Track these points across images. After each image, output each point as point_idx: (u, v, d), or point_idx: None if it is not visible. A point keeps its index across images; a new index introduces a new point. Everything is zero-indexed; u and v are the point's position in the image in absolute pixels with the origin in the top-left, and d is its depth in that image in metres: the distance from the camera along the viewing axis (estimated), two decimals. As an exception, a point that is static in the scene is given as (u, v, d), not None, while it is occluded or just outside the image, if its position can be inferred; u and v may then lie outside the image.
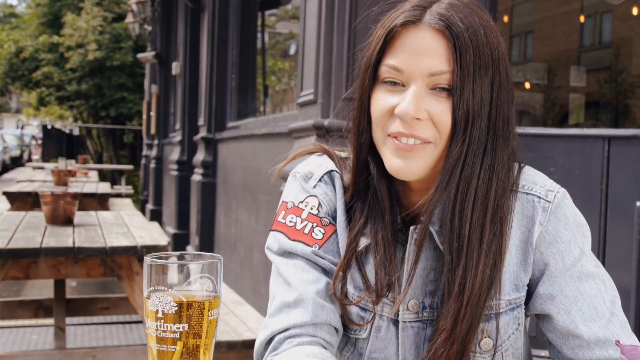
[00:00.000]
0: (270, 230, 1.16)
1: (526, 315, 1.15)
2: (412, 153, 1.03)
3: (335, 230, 1.13)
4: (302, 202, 1.15)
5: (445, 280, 1.04)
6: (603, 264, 2.87)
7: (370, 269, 1.11)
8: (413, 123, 1.02)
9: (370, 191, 1.11)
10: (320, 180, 1.16)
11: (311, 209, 1.14)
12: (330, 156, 1.19)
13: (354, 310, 1.11)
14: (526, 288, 1.11)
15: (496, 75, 1.03)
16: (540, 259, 1.10)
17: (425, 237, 1.07)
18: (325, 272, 1.11)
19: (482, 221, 1.04)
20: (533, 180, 1.12)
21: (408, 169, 1.04)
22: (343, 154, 1.20)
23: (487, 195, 1.04)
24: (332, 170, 1.17)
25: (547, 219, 1.09)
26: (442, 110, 1.02)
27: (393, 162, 1.05)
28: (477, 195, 1.03)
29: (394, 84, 1.04)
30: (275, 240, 1.14)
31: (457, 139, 1.02)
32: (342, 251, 1.12)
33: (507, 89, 1.05)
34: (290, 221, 1.14)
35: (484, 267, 1.03)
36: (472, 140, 1.02)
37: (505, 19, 6.98)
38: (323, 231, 1.12)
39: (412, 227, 1.08)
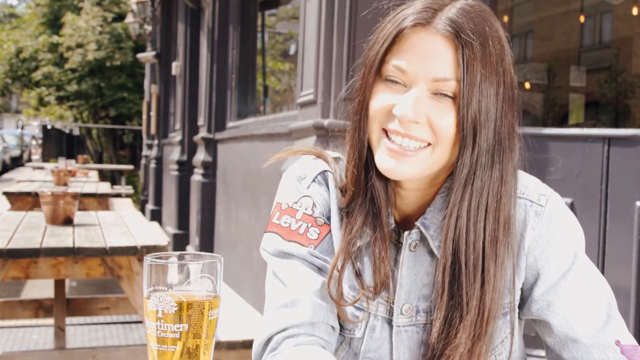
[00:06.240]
0: (265, 232, 1.16)
1: (521, 319, 1.15)
2: (405, 158, 1.02)
3: (330, 230, 1.13)
4: (296, 202, 1.15)
5: (464, 294, 1.03)
6: (603, 264, 2.87)
7: (364, 268, 1.10)
8: (410, 125, 1.01)
9: (368, 189, 1.11)
10: (313, 180, 1.16)
11: (305, 209, 1.14)
12: (323, 157, 1.19)
13: (348, 309, 1.11)
14: (519, 292, 1.10)
15: (501, 87, 1.02)
16: (533, 264, 1.09)
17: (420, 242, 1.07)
18: (321, 271, 1.11)
19: (495, 233, 1.03)
20: (525, 184, 1.12)
21: (399, 171, 1.03)
22: (335, 155, 1.19)
23: (498, 208, 1.04)
24: (325, 171, 1.17)
25: (540, 223, 1.09)
26: (441, 116, 1.01)
27: (385, 162, 1.04)
28: (489, 208, 1.03)
29: (396, 83, 1.03)
30: (270, 242, 1.14)
31: (466, 148, 1.01)
32: (337, 250, 1.11)
33: (512, 101, 1.04)
34: (285, 222, 1.13)
35: (499, 280, 1.03)
36: (481, 151, 1.01)
37: (505, 19, 6.98)
38: (318, 231, 1.12)
39: (406, 233, 1.08)
